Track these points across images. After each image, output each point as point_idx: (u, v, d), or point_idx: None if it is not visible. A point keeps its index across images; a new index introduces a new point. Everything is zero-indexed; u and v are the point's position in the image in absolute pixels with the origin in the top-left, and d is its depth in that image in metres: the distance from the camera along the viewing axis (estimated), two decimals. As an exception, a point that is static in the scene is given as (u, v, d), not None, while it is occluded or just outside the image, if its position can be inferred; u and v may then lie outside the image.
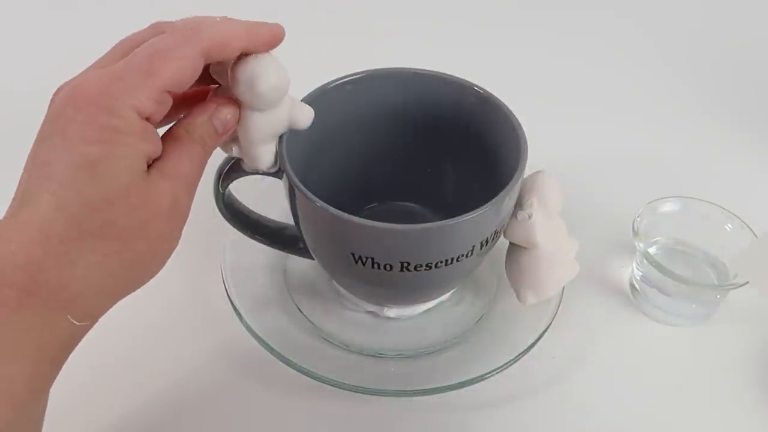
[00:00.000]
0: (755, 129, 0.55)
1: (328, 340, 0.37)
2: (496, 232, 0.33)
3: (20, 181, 0.25)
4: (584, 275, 0.37)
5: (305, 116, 0.31)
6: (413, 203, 0.43)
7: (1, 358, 0.23)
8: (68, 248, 0.23)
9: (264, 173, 0.32)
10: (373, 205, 0.43)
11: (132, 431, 0.34)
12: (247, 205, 0.37)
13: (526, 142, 0.33)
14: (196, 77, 0.26)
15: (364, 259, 0.31)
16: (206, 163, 0.28)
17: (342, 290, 0.39)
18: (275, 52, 0.29)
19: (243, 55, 0.28)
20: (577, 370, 0.37)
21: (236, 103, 0.29)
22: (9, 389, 0.23)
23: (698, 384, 0.37)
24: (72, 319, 0.24)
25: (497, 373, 0.34)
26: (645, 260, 0.38)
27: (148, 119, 0.25)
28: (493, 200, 0.30)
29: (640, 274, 0.40)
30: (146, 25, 0.28)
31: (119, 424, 0.34)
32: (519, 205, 0.34)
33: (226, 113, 0.28)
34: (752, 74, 0.60)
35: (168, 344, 0.38)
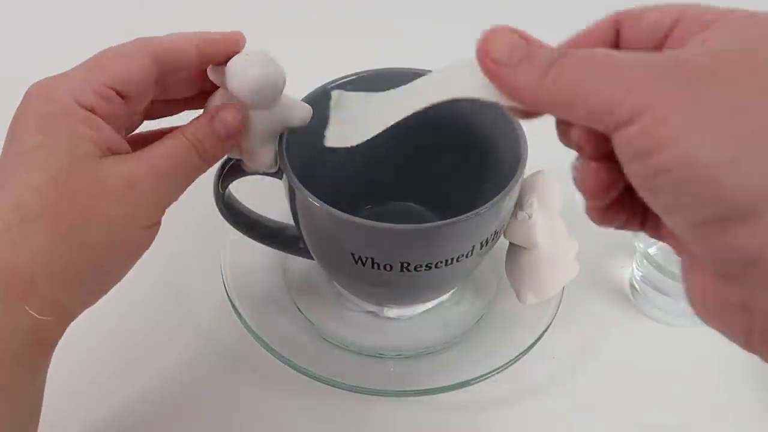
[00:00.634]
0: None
1: (328, 340, 0.37)
2: (496, 232, 0.33)
3: None
4: (584, 275, 0.37)
5: (303, 114, 0.31)
6: (413, 203, 0.43)
7: None
8: (13, 233, 0.23)
9: (264, 173, 0.32)
10: (373, 205, 0.43)
11: (131, 431, 0.34)
12: (247, 205, 0.37)
13: (526, 142, 0.33)
14: (147, 79, 0.26)
15: (364, 259, 0.31)
16: (199, 162, 0.28)
17: (342, 290, 0.39)
18: (275, 51, 0.29)
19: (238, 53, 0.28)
20: (577, 370, 0.37)
21: (239, 108, 0.28)
22: None
23: (698, 384, 0.37)
24: (31, 311, 0.24)
25: (497, 373, 0.34)
26: (645, 260, 0.38)
27: (92, 111, 0.25)
28: (493, 200, 0.30)
29: (640, 274, 0.40)
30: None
31: (119, 424, 0.34)
32: (519, 205, 0.34)
33: (227, 115, 0.28)
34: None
35: (168, 344, 0.38)
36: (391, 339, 0.38)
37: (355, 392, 0.34)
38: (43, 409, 0.26)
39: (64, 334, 0.26)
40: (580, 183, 0.21)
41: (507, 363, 0.35)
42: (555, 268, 0.35)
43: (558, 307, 0.37)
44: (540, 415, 0.36)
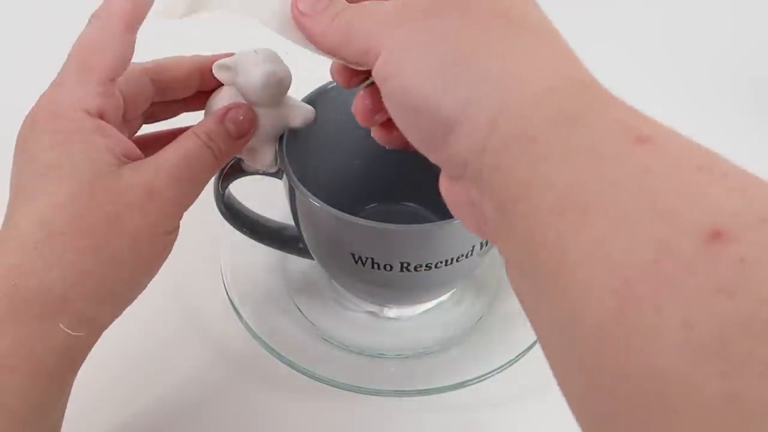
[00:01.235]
0: (754, 129, 0.54)
1: (328, 340, 0.37)
2: (496, 232, 0.33)
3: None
4: (584, 275, 0.37)
5: (306, 115, 0.31)
6: (413, 204, 0.43)
7: None
8: (42, 250, 0.23)
9: (264, 173, 0.32)
10: (373, 205, 0.43)
11: (130, 430, 0.34)
12: (247, 205, 0.37)
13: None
14: (130, 52, 0.26)
15: (364, 259, 0.31)
16: (214, 163, 0.28)
17: (342, 290, 0.39)
18: (275, 51, 0.29)
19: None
20: (577, 370, 0.37)
21: (248, 105, 0.28)
22: (3, 402, 0.23)
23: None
24: (65, 328, 0.24)
25: (497, 373, 0.34)
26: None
27: (101, 116, 0.25)
28: (493, 200, 0.30)
29: (640, 274, 0.40)
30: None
31: (118, 424, 0.34)
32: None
33: (238, 114, 0.28)
34: (751, 74, 0.60)
35: (167, 344, 0.38)
36: (391, 339, 0.38)
37: (355, 392, 0.34)
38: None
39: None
40: (353, 108, 0.26)
41: (507, 363, 0.35)
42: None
43: (558, 307, 0.37)
44: (540, 415, 0.36)
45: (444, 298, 0.39)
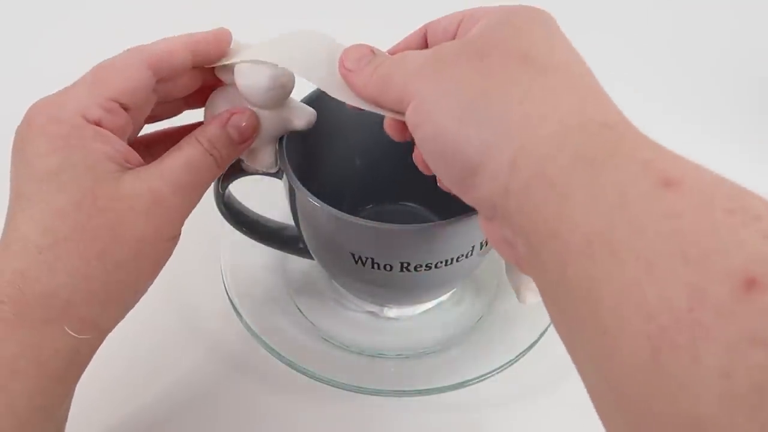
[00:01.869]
0: (755, 129, 0.54)
1: (328, 340, 0.37)
2: (496, 232, 0.33)
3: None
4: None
5: (307, 117, 0.31)
6: (413, 203, 0.43)
7: (1, 373, 0.23)
8: (46, 256, 0.23)
9: (264, 173, 0.32)
10: (373, 205, 0.43)
11: (129, 430, 0.34)
12: (247, 205, 0.37)
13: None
14: (147, 88, 0.27)
15: (364, 259, 0.31)
16: (216, 169, 0.28)
17: (342, 290, 0.39)
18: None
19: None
20: (577, 369, 0.37)
21: (253, 112, 0.28)
22: (10, 404, 0.23)
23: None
24: (70, 331, 0.24)
25: (497, 373, 0.34)
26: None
27: (99, 125, 0.25)
28: (493, 200, 0.30)
29: (640, 274, 0.40)
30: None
31: (118, 424, 0.34)
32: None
33: (241, 120, 0.28)
34: (750, 74, 0.60)
35: (167, 344, 0.38)
36: (391, 339, 0.38)
37: (355, 392, 0.34)
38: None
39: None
40: (385, 127, 0.26)
41: (507, 363, 0.35)
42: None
43: (558, 307, 0.37)
44: (540, 415, 0.36)
45: (444, 298, 0.39)
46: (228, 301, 0.37)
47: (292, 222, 0.35)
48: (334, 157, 0.39)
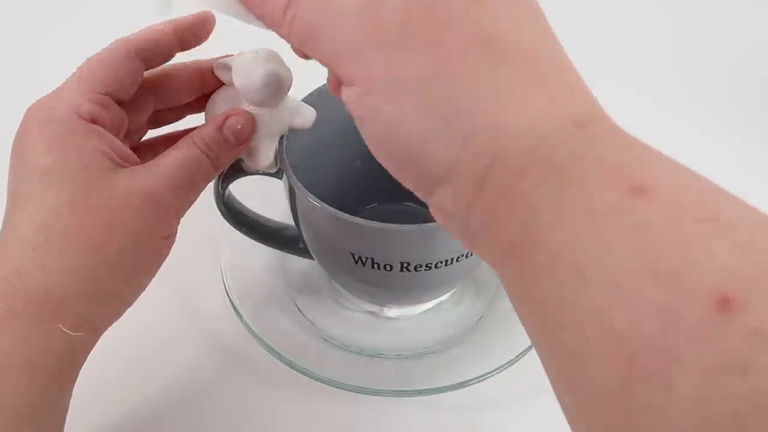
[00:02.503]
0: (755, 129, 0.54)
1: (328, 340, 0.37)
2: (496, 232, 0.33)
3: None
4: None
5: (307, 117, 0.31)
6: (414, 204, 0.43)
7: None
8: (40, 253, 0.24)
9: (264, 173, 0.32)
10: (373, 205, 0.43)
11: (131, 431, 0.34)
12: (247, 205, 0.37)
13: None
14: (136, 76, 0.27)
15: (364, 259, 0.31)
16: (212, 170, 0.28)
17: (342, 290, 0.39)
18: (279, 51, 0.29)
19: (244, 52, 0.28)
20: (577, 370, 0.37)
21: (249, 114, 0.29)
22: (3, 401, 0.23)
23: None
24: (64, 329, 0.24)
25: (497, 373, 0.34)
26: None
27: (94, 122, 0.25)
28: (493, 200, 0.30)
29: (640, 274, 0.40)
30: None
31: (118, 424, 0.34)
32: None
33: (237, 122, 0.28)
34: (749, 74, 0.60)
35: (167, 344, 0.38)
36: (391, 339, 0.38)
37: (355, 392, 0.34)
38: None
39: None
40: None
41: (507, 363, 0.35)
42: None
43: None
44: (540, 415, 0.36)
45: (444, 298, 0.39)
46: (228, 301, 0.37)
47: (292, 222, 0.35)
48: (334, 157, 0.39)
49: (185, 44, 0.28)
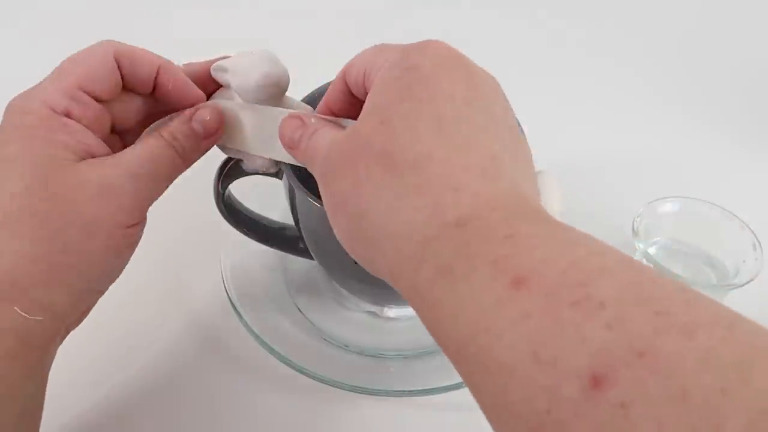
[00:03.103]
0: (754, 129, 0.55)
1: (328, 340, 0.37)
2: (496, 232, 0.33)
3: None
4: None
5: None
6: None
7: None
8: None
9: (264, 174, 0.32)
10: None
11: (131, 431, 0.34)
12: (247, 205, 0.37)
13: (526, 142, 0.33)
14: (114, 76, 0.27)
15: (364, 260, 0.31)
16: (179, 162, 0.28)
17: (342, 290, 0.39)
18: (275, 50, 0.29)
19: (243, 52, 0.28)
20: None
21: (218, 107, 0.29)
22: None
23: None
24: (20, 311, 0.24)
25: (497, 373, 0.34)
26: (645, 260, 0.38)
27: (68, 115, 0.26)
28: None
29: (640, 274, 0.40)
30: None
31: (117, 424, 0.34)
32: (519, 205, 0.34)
33: (205, 115, 0.28)
34: (751, 75, 0.60)
35: (167, 344, 0.38)
36: (391, 339, 0.38)
37: (355, 392, 0.34)
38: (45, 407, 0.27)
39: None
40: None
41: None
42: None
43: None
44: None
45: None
46: (228, 301, 0.37)
47: (292, 222, 0.35)
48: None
49: (162, 80, 0.28)
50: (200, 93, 0.29)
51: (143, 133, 0.28)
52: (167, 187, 0.28)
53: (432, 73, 0.23)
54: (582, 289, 0.16)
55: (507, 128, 0.23)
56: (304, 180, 0.31)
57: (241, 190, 0.36)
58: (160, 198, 0.28)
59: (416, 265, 0.20)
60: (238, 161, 0.32)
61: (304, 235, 0.35)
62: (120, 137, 0.29)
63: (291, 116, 0.27)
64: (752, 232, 0.39)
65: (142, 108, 0.29)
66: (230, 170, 0.33)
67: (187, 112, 0.28)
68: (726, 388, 0.13)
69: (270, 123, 0.29)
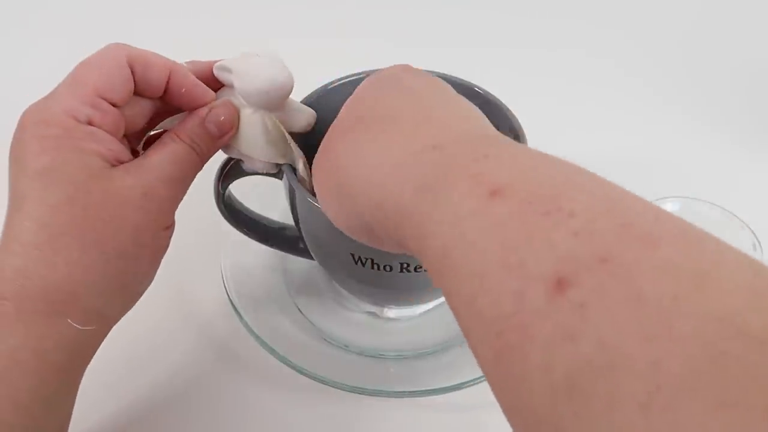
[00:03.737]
0: (755, 129, 0.55)
1: (328, 341, 0.37)
2: (496, 233, 0.33)
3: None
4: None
5: (307, 120, 0.31)
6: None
7: (3, 365, 0.23)
8: (45, 252, 0.24)
9: (264, 174, 0.32)
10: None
11: (131, 431, 0.34)
12: (247, 205, 0.37)
13: (526, 142, 0.33)
14: (129, 82, 0.27)
15: (364, 260, 0.31)
16: (199, 163, 0.29)
17: (342, 290, 0.39)
18: (279, 52, 0.29)
19: (248, 54, 0.28)
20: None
21: (232, 105, 0.29)
22: (12, 395, 0.23)
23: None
24: (73, 323, 0.24)
25: (497, 373, 0.34)
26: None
27: (90, 123, 0.26)
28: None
29: (640, 274, 0.40)
30: None
31: (118, 424, 0.34)
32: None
33: (219, 115, 0.28)
34: (751, 75, 0.60)
35: (167, 344, 0.38)
36: (391, 339, 0.38)
37: (355, 393, 0.34)
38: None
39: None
40: None
41: (507, 363, 0.35)
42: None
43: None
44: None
45: (444, 298, 0.39)
46: (228, 301, 0.37)
47: (292, 222, 0.35)
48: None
49: (173, 84, 0.28)
50: (212, 94, 0.29)
51: (163, 136, 0.28)
52: (189, 186, 0.29)
53: (392, 75, 0.26)
54: (555, 200, 0.17)
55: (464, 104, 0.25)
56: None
57: (241, 190, 0.36)
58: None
59: (399, 189, 0.21)
60: (239, 161, 0.32)
61: (304, 235, 0.35)
62: (127, 140, 0.29)
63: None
64: (752, 232, 0.39)
65: (151, 111, 0.29)
66: (230, 170, 0.33)
67: (201, 112, 0.29)
68: (679, 295, 0.14)
69: (272, 126, 0.29)
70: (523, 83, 0.56)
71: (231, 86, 0.29)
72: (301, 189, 0.30)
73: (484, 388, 0.34)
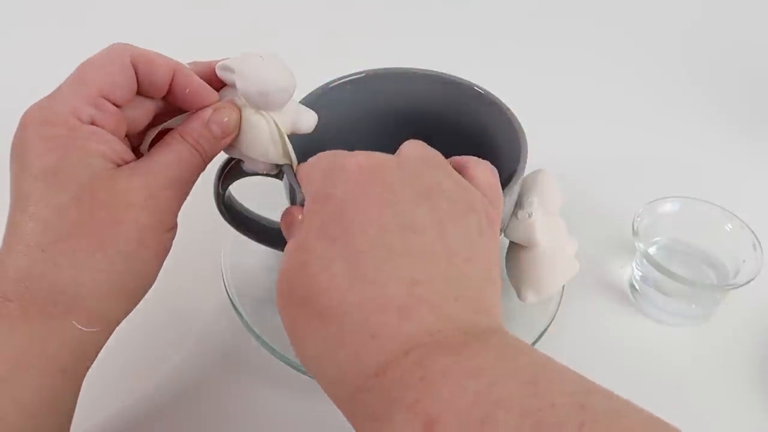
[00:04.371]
0: (755, 129, 0.55)
1: (328, 340, 0.37)
2: (496, 232, 0.33)
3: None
4: (584, 275, 0.37)
5: (308, 122, 0.31)
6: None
7: (7, 366, 0.23)
8: (50, 253, 0.24)
9: (264, 174, 0.32)
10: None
11: (130, 430, 0.34)
12: (247, 206, 0.37)
13: (526, 142, 0.33)
14: (132, 82, 0.27)
15: (364, 259, 0.31)
16: (202, 165, 0.28)
17: (342, 290, 0.39)
18: (275, 51, 0.29)
19: (250, 54, 0.28)
20: (577, 369, 0.37)
21: (234, 106, 0.29)
22: (16, 396, 0.23)
23: (698, 384, 0.37)
24: (78, 325, 0.24)
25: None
26: (645, 260, 0.38)
27: (93, 124, 0.26)
28: (493, 200, 0.30)
29: (640, 274, 0.40)
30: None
31: (118, 424, 0.34)
32: (519, 204, 0.34)
33: (223, 116, 0.28)
34: (751, 75, 0.60)
35: (168, 344, 0.38)
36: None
37: (355, 392, 0.34)
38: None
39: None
40: None
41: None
42: (555, 266, 0.35)
43: (558, 306, 0.37)
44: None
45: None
46: (228, 300, 0.37)
47: (292, 222, 0.35)
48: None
49: (177, 84, 0.28)
50: (215, 95, 0.29)
51: (166, 137, 0.28)
52: (192, 187, 0.29)
53: (344, 204, 0.24)
54: (482, 426, 0.18)
55: (446, 226, 0.24)
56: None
57: (241, 190, 0.36)
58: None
59: (351, 411, 0.22)
60: (239, 162, 0.32)
61: (304, 235, 0.35)
62: (129, 140, 0.29)
63: (288, 211, 0.27)
64: (752, 232, 0.39)
65: (152, 111, 0.29)
66: (230, 171, 0.33)
67: (204, 113, 0.28)
68: None
69: (272, 128, 0.29)
70: (524, 83, 0.56)
71: (233, 86, 0.29)
72: (301, 190, 0.30)
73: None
